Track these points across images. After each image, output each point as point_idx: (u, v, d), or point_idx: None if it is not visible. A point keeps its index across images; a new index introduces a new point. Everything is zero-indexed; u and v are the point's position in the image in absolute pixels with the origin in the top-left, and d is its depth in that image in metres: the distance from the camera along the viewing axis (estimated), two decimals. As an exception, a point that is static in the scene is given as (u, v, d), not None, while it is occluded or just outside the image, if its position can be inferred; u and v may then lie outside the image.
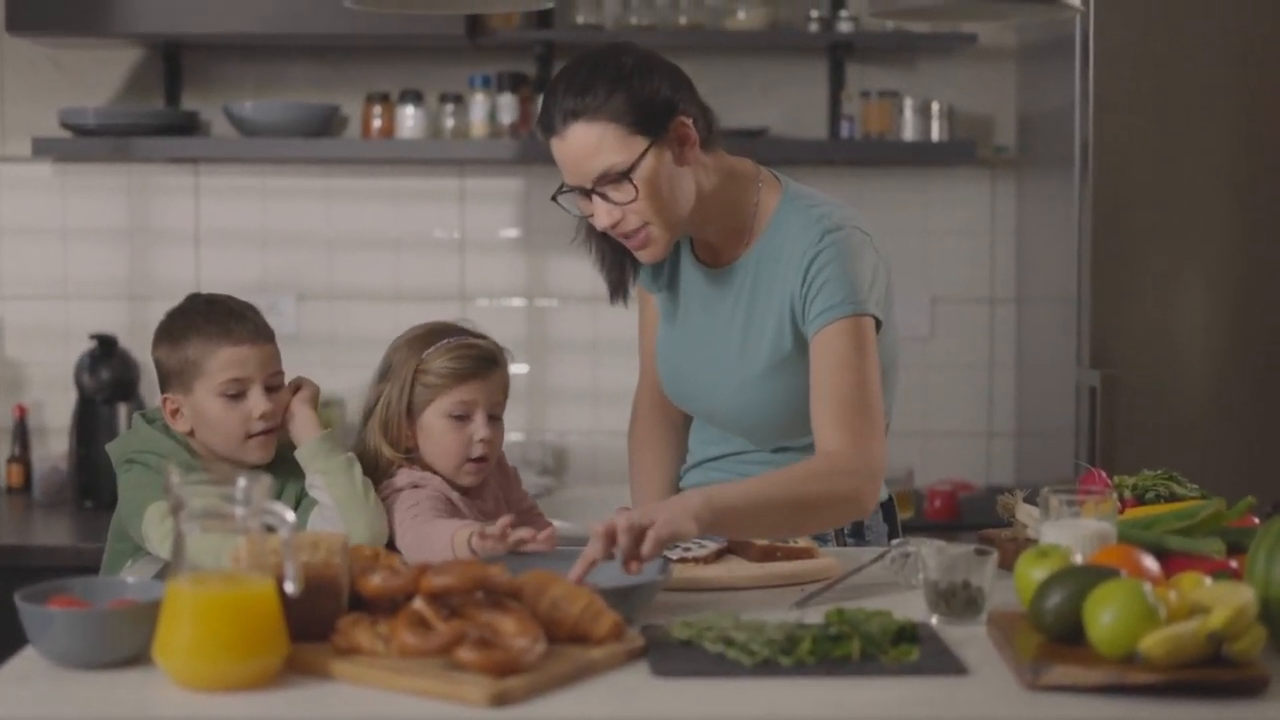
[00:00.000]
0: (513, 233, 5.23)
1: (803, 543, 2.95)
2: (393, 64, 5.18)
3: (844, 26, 5.00)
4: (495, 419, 3.10)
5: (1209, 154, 4.34)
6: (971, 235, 5.20)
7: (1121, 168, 4.31)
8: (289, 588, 2.21)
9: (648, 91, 2.86)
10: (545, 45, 5.09)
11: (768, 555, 2.90)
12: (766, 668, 2.25)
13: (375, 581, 2.32)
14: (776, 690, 2.19)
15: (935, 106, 5.03)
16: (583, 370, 5.20)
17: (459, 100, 5.09)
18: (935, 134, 5.04)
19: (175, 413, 3.10)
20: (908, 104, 5.04)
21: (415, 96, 5.06)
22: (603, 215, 2.90)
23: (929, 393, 5.16)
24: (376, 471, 3.10)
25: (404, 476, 3.09)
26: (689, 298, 3.16)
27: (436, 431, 3.08)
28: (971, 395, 5.19)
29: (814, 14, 5.02)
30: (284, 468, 3.12)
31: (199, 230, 5.21)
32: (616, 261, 3.11)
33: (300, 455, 3.08)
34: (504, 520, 2.75)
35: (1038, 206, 4.93)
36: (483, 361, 3.09)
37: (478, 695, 2.10)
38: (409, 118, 5.06)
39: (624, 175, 2.85)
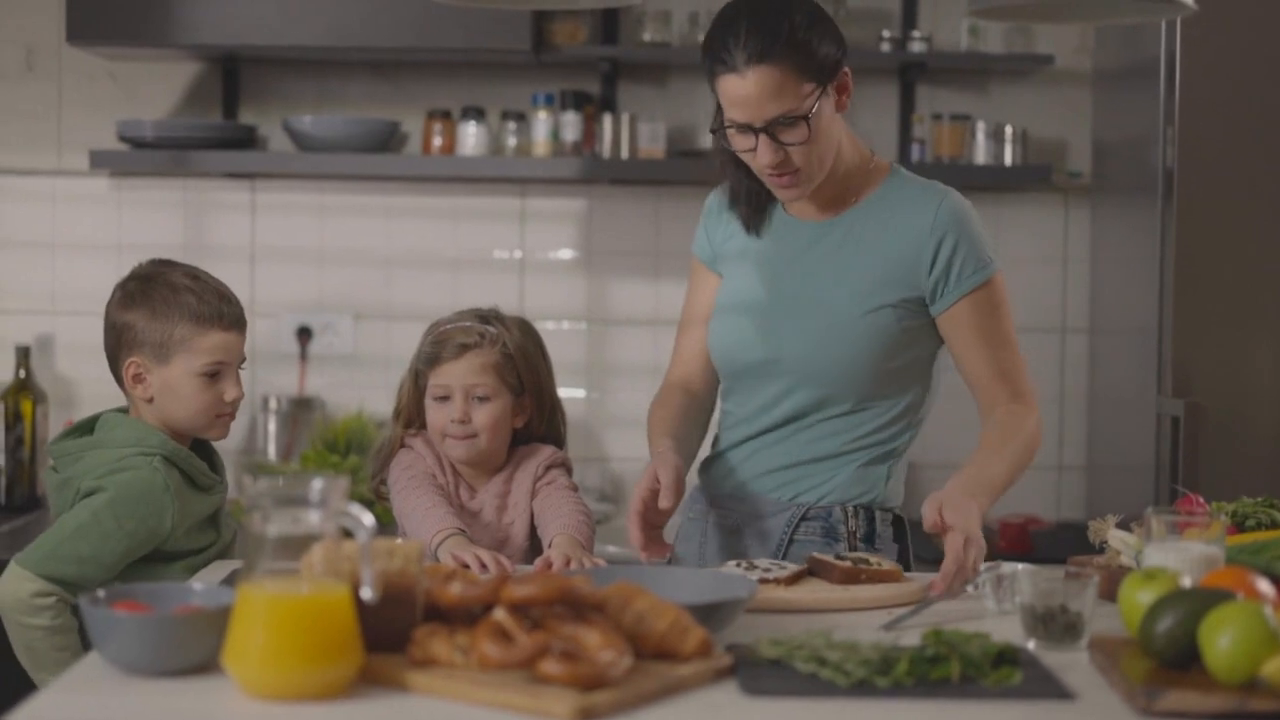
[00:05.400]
0: (574, 254, 5.15)
1: (888, 565, 2.87)
2: (455, 80, 5.11)
3: (916, 47, 4.91)
4: (479, 400, 3.32)
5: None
6: (1043, 263, 5.10)
7: (1206, 194, 4.22)
8: (365, 594, 2.12)
9: (826, 42, 3.01)
10: (610, 63, 5.02)
11: (851, 578, 2.82)
12: (862, 689, 2.16)
13: (454, 591, 2.23)
14: (872, 712, 2.10)
15: (1008, 130, 4.95)
16: (642, 395, 5.05)
17: (521, 118, 5.02)
18: (1008, 158, 4.95)
19: (139, 377, 3.17)
20: (980, 127, 4.95)
21: (477, 113, 4.99)
22: (767, 153, 3.01)
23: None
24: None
25: (411, 452, 3.38)
26: (774, 246, 3.23)
27: (429, 410, 3.36)
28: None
29: (885, 34, 4.93)
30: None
31: (254, 246, 5.14)
32: (754, 193, 3.22)
33: None
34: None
35: (1113, 234, 4.83)
36: (451, 347, 3.32)
37: (562, 709, 2.01)
38: (470, 135, 4.98)
39: (801, 119, 2.98)
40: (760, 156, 3.01)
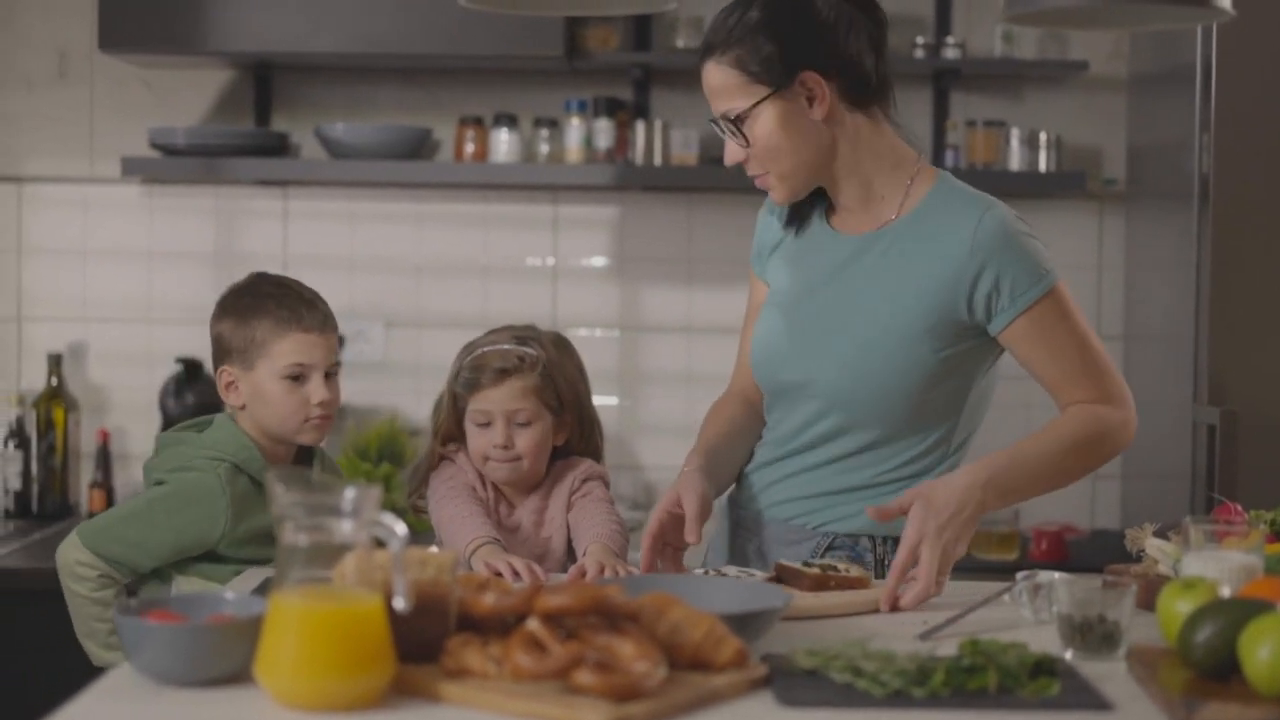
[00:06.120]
0: (606, 261, 5.13)
1: (855, 572, 2.83)
2: (487, 87, 5.11)
3: (950, 54, 4.90)
4: (520, 425, 3.28)
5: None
6: (1078, 270, 5.06)
7: (1242, 200, 4.20)
8: (398, 604, 2.11)
9: (782, 41, 2.88)
10: (643, 69, 5.01)
11: (821, 585, 2.78)
12: (898, 699, 2.13)
13: (488, 601, 2.21)
14: (910, 723, 2.07)
15: (1043, 137, 4.93)
16: (675, 402, 5.09)
17: (554, 124, 5.01)
18: (1043, 165, 4.93)
19: (230, 385, 3.24)
20: (1014, 134, 4.94)
21: (509, 120, 4.98)
22: (728, 152, 2.99)
23: (1031, 431, 5.00)
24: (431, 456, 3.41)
25: (452, 465, 3.35)
26: (813, 259, 3.10)
27: (469, 433, 3.31)
28: (1075, 434, 5.05)
29: (919, 40, 4.92)
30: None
31: (286, 254, 5.14)
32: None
33: None
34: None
35: (1148, 240, 4.81)
36: (490, 373, 3.28)
37: (597, 720, 1.99)
38: (503, 142, 4.98)
39: (735, 122, 2.93)
40: (726, 154, 3.00)
